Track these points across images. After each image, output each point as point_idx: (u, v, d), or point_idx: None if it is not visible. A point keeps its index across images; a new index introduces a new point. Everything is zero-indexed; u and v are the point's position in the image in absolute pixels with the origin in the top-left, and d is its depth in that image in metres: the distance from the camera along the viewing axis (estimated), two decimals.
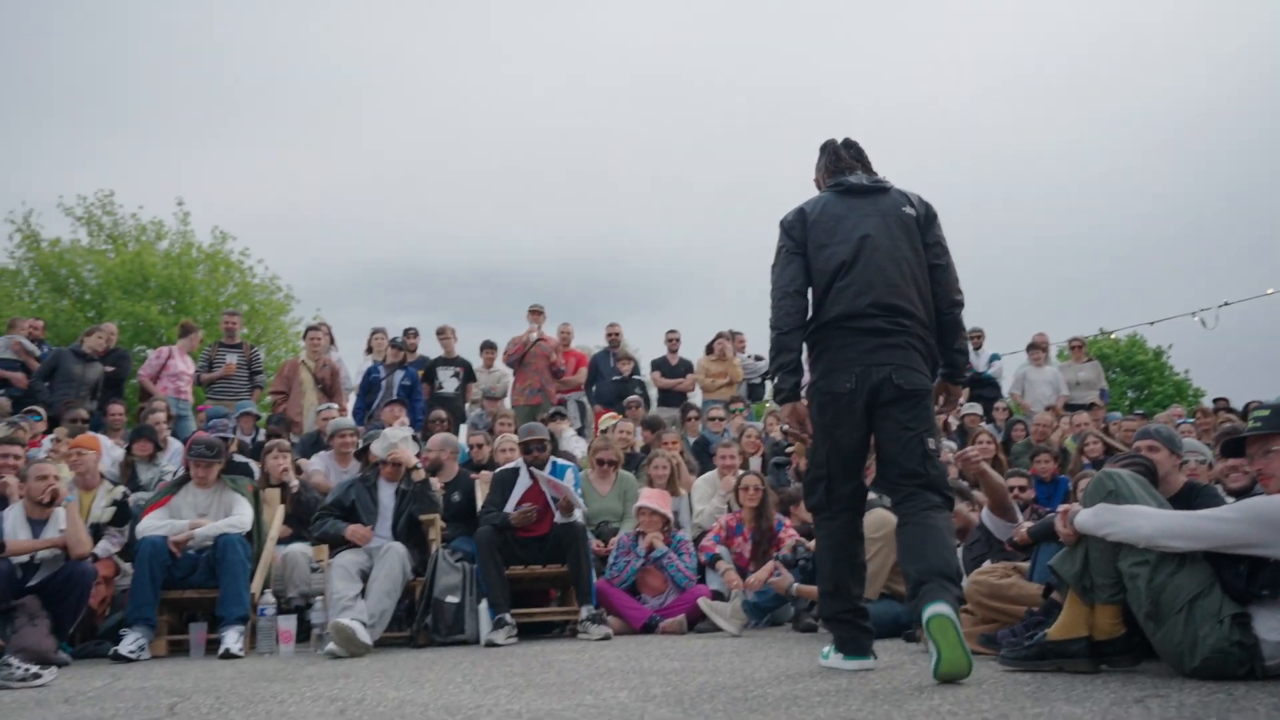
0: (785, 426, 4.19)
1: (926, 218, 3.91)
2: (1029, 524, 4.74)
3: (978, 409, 10.50)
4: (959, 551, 5.38)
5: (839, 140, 4.14)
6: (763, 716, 2.72)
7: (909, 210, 3.87)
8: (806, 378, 3.93)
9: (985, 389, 11.79)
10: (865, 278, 3.73)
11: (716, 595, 6.40)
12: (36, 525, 5.81)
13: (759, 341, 11.49)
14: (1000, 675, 3.42)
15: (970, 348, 12.43)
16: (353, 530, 6.05)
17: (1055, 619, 3.55)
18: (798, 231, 3.91)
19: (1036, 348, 12.22)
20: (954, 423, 10.59)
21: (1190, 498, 4.00)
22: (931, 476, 3.68)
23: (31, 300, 22.16)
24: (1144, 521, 3.26)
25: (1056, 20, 60.01)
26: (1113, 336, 32.59)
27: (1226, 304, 15.68)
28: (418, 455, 6.62)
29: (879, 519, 5.34)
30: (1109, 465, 4.19)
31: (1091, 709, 2.64)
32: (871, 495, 5.84)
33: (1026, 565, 4.48)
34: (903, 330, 3.70)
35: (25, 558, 5.63)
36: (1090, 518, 3.38)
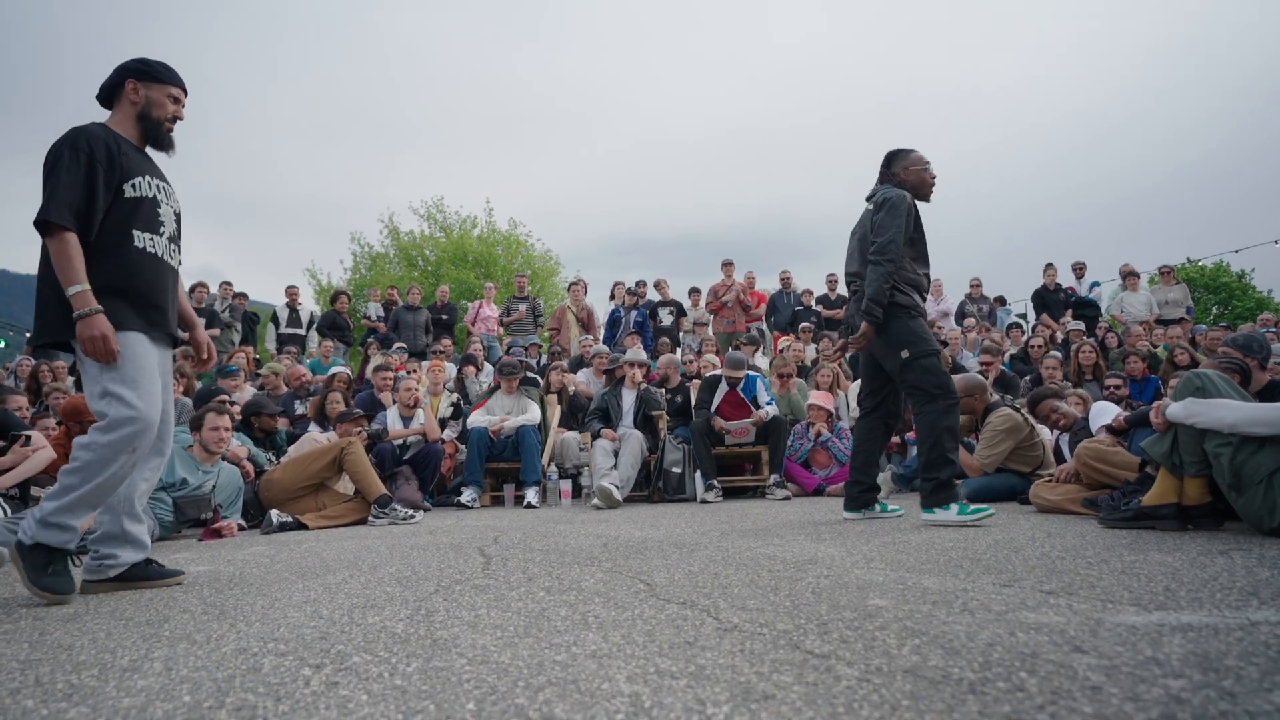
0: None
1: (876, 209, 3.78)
2: (1126, 413, 4.28)
3: (1081, 326, 9.53)
4: (1065, 439, 4.95)
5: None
6: (899, 548, 2.62)
7: (869, 207, 3.86)
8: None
9: (1087, 309, 10.68)
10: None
11: None
12: (405, 420, 6.37)
13: None
14: (1101, 532, 3.11)
15: (1074, 276, 11.33)
16: (605, 432, 6.25)
17: (1149, 489, 3.21)
18: None
19: (1131, 275, 10.95)
20: (1059, 337, 9.69)
21: (1274, 393, 3.50)
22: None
23: (394, 273, 23.55)
24: (1227, 413, 2.85)
25: None
26: (1199, 264, 28.70)
27: None
28: (646, 374, 6.71)
29: (1004, 415, 4.99)
30: (1203, 366, 3.71)
31: (1181, 558, 2.36)
32: (995, 395, 5.45)
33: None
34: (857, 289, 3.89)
35: (400, 441, 6.21)
36: (1179, 409, 2.99)
